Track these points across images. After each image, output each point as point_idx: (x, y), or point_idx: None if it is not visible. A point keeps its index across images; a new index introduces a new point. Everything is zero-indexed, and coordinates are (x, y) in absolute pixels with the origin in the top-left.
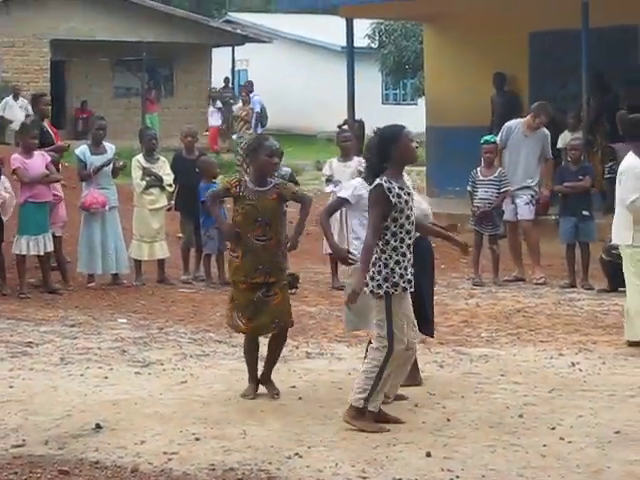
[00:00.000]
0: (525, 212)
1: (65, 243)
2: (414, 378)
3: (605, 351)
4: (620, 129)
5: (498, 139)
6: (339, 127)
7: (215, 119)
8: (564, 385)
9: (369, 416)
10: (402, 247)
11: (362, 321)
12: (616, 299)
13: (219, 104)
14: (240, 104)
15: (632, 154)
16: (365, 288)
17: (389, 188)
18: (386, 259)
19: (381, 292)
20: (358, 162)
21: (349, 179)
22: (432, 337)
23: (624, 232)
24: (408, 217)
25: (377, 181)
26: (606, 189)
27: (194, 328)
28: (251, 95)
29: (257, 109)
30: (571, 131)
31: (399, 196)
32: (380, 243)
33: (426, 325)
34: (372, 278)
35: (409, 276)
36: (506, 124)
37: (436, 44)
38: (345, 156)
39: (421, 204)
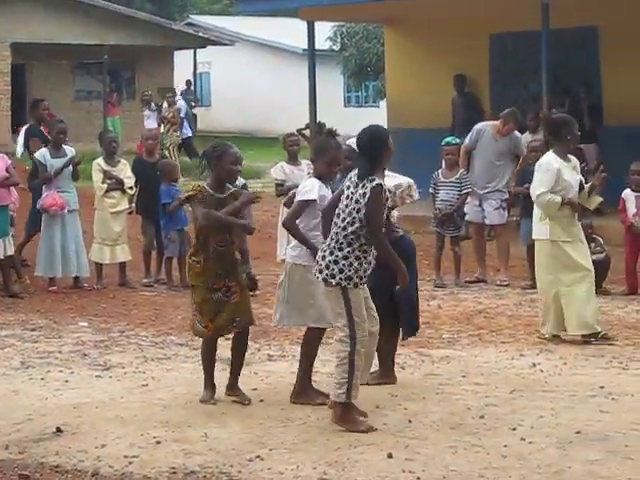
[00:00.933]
0: (495, 217)
1: (26, 246)
2: (390, 377)
3: (566, 351)
4: (544, 128)
5: (467, 140)
6: (298, 131)
7: (151, 122)
8: (525, 386)
9: (355, 415)
10: (368, 245)
11: (297, 317)
12: None
13: (153, 107)
14: (166, 106)
15: (551, 152)
16: (318, 275)
17: (385, 189)
18: (349, 252)
19: (333, 282)
20: (307, 165)
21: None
22: (414, 336)
23: (540, 227)
24: (385, 218)
25: (376, 181)
26: None
27: (155, 331)
28: (176, 99)
29: (182, 114)
30: (531, 132)
31: (386, 197)
32: (351, 237)
33: (410, 324)
34: (327, 267)
35: (362, 272)
36: (475, 126)
37: (397, 46)
38: (293, 160)
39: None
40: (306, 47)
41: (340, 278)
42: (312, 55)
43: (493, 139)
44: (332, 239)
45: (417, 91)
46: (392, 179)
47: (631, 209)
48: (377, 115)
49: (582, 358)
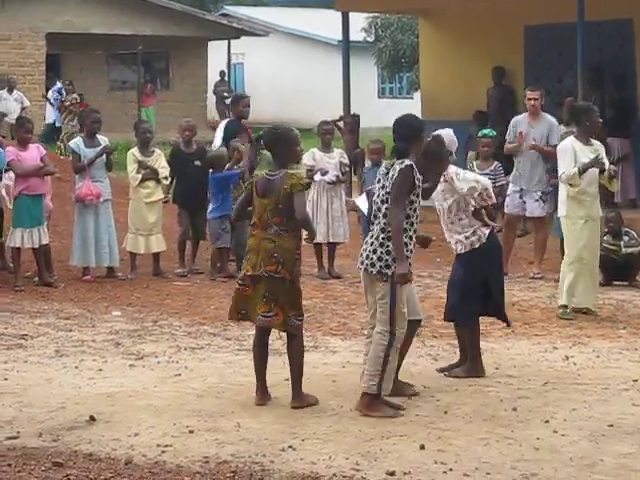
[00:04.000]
0: (535, 209)
1: (59, 236)
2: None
3: (599, 345)
4: (565, 115)
5: (507, 138)
6: (332, 121)
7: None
8: (558, 378)
9: (381, 402)
10: (410, 230)
11: None
12: (611, 293)
13: (56, 94)
14: (65, 95)
15: (572, 136)
16: (372, 269)
17: (415, 170)
18: (389, 240)
19: (389, 272)
20: (340, 154)
21: (334, 169)
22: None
23: (561, 205)
24: (419, 203)
25: (406, 162)
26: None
27: (189, 321)
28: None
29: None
30: (566, 125)
31: (419, 180)
32: (384, 223)
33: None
34: (380, 259)
35: (410, 259)
36: (514, 119)
37: (431, 38)
38: (325, 147)
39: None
40: (340, 38)
41: (380, 266)
42: (346, 46)
43: (529, 126)
44: (378, 231)
45: (451, 83)
46: (466, 183)
47: None
48: (411, 106)
49: (616, 351)
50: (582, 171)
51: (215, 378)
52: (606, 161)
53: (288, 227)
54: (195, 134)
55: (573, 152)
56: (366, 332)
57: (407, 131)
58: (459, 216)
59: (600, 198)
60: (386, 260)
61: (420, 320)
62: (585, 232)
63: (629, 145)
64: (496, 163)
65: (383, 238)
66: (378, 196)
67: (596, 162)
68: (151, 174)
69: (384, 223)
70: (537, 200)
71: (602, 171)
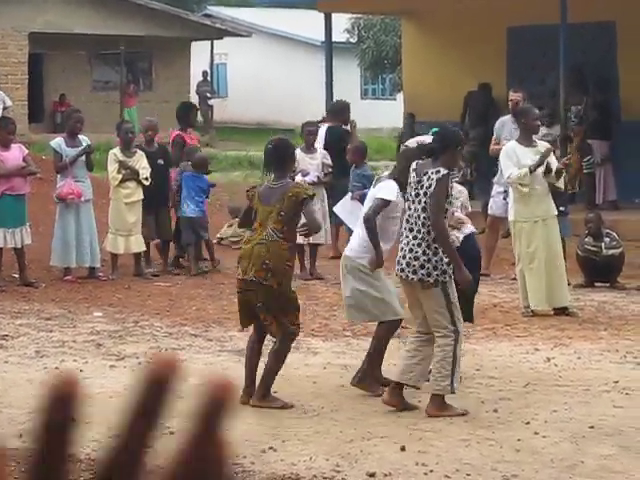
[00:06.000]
0: (504, 210)
1: (40, 236)
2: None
3: (581, 346)
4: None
5: (495, 134)
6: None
7: None
8: (539, 380)
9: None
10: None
11: (362, 315)
12: (592, 294)
13: None
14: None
15: (513, 140)
16: (414, 276)
17: (450, 178)
18: (436, 248)
19: (431, 280)
20: (322, 155)
21: (316, 170)
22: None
23: (510, 209)
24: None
25: (442, 171)
26: (585, 184)
27: (170, 322)
28: None
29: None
30: (547, 127)
31: (451, 188)
32: (427, 231)
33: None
34: (435, 267)
35: (448, 264)
36: (500, 119)
37: (414, 39)
38: (308, 148)
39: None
40: (323, 39)
41: (437, 274)
42: (329, 47)
43: (513, 127)
44: (415, 238)
45: (434, 84)
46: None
47: None
48: (393, 107)
49: (596, 353)
50: (533, 169)
51: (196, 379)
52: (553, 160)
53: (285, 235)
54: (157, 133)
55: (515, 155)
56: (411, 338)
57: (448, 138)
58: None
59: (575, 198)
60: (442, 267)
61: (401, 319)
62: (535, 233)
63: (608, 147)
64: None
65: (430, 246)
66: (412, 203)
67: (543, 158)
68: (132, 174)
69: (426, 232)
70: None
71: (548, 171)
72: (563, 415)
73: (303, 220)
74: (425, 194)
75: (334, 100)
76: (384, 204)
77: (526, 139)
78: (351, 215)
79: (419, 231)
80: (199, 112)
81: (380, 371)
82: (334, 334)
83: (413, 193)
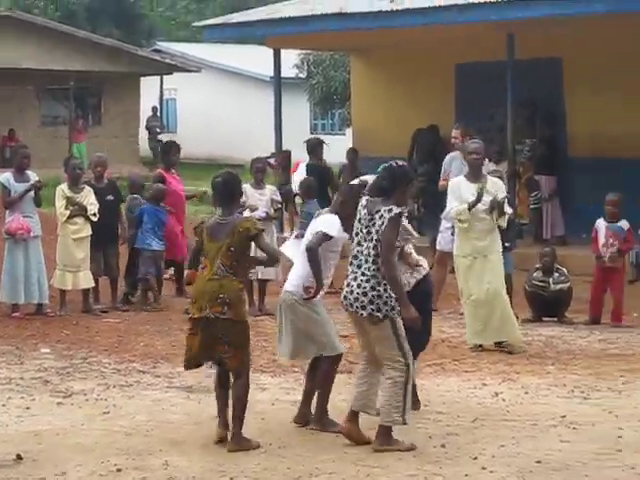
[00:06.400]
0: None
1: None
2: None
3: (528, 381)
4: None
5: (443, 169)
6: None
7: None
8: (487, 415)
9: (394, 437)
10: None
11: (300, 352)
12: (540, 329)
13: None
14: None
15: (462, 175)
16: (363, 312)
17: (403, 217)
18: (386, 284)
19: (380, 315)
20: (272, 191)
21: (265, 206)
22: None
23: (452, 243)
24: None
25: (395, 210)
26: (532, 218)
27: (118, 358)
28: None
29: None
30: (495, 163)
31: (402, 226)
32: (376, 268)
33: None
34: (371, 302)
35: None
36: (449, 154)
37: (363, 75)
38: (258, 184)
39: None
40: (272, 74)
41: (386, 310)
42: (278, 83)
43: (462, 164)
44: (364, 273)
45: (383, 120)
46: None
47: (601, 239)
48: (343, 143)
49: (544, 387)
50: (471, 207)
51: (144, 416)
52: (486, 197)
53: (236, 270)
54: (106, 169)
55: (459, 189)
56: (360, 367)
57: (398, 176)
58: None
59: (522, 234)
60: (391, 303)
61: (342, 354)
62: (474, 268)
63: (555, 182)
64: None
65: (380, 283)
66: (364, 240)
67: (480, 196)
68: (79, 210)
69: (376, 269)
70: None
71: (492, 208)
72: (510, 450)
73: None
74: (377, 232)
75: (308, 138)
76: (326, 238)
77: (473, 175)
78: (298, 254)
79: (368, 268)
80: (177, 150)
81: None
82: (283, 370)
83: (364, 230)
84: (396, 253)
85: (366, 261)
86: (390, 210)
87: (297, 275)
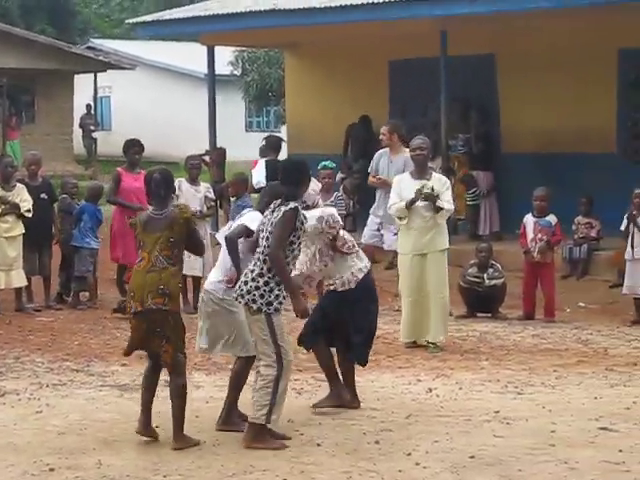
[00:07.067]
0: (393, 242)
1: None
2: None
3: (462, 377)
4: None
5: (369, 170)
6: (199, 156)
7: None
8: (421, 411)
9: (267, 433)
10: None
11: (225, 347)
12: (474, 325)
13: None
14: None
15: (407, 172)
16: (242, 300)
17: (299, 212)
18: (269, 278)
19: (254, 307)
20: (206, 188)
21: (199, 204)
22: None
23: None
24: (299, 245)
25: (292, 205)
26: (469, 215)
27: (51, 357)
28: None
29: None
30: (430, 159)
31: (302, 223)
32: (264, 260)
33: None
34: (249, 292)
35: (282, 298)
36: (378, 152)
37: (297, 72)
38: (193, 181)
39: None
40: (207, 72)
41: (261, 303)
42: (212, 80)
43: (388, 161)
44: (255, 265)
45: (317, 117)
46: (312, 219)
47: (530, 234)
48: None
49: (478, 383)
50: (409, 204)
51: (77, 415)
52: (444, 196)
53: (175, 260)
54: (40, 167)
55: (400, 186)
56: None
57: (296, 176)
58: (324, 262)
59: (457, 230)
60: (268, 296)
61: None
62: (413, 266)
63: (492, 178)
64: (336, 193)
65: (262, 275)
66: (264, 232)
67: (418, 195)
68: (11, 209)
69: (262, 261)
70: (396, 234)
71: (439, 209)
72: (444, 445)
73: None
74: (271, 224)
75: (268, 135)
76: (246, 230)
77: (417, 171)
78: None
79: (258, 259)
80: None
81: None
82: (217, 367)
83: (268, 220)
84: (284, 246)
85: (261, 253)
86: (287, 204)
87: (216, 273)
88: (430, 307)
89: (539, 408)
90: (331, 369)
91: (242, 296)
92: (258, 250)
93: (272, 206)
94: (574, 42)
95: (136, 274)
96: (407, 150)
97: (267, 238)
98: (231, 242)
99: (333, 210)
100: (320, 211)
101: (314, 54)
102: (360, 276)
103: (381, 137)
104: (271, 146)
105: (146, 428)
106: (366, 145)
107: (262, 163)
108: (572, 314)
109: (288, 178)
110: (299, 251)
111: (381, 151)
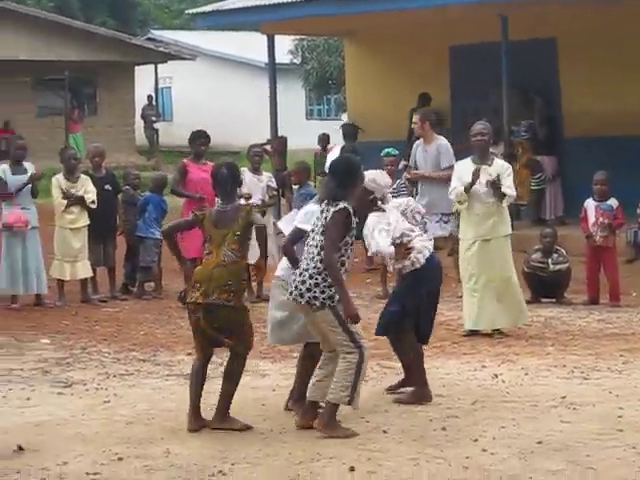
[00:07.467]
0: (436, 230)
1: None
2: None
3: (528, 362)
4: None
5: (410, 161)
6: (260, 145)
7: None
8: (487, 397)
9: (338, 423)
10: (341, 268)
11: (287, 336)
12: (539, 310)
13: None
14: None
15: (469, 158)
16: (300, 299)
17: (350, 212)
18: (327, 274)
19: (317, 304)
20: (268, 178)
21: (261, 193)
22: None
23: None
24: (352, 243)
25: (341, 205)
26: (533, 200)
27: (118, 347)
28: None
29: None
30: (492, 144)
31: (353, 222)
32: (321, 259)
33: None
34: (308, 290)
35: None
36: (414, 145)
37: (357, 59)
38: (255, 170)
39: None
40: (267, 61)
41: (323, 299)
42: (273, 69)
43: (423, 151)
44: (309, 263)
45: (377, 104)
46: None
47: (591, 219)
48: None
49: (544, 368)
50: (468, 188)
51: (144, 404)
52: (506, 181)
53: (241, 253)
54: (104, 159)
55: (460, 171)
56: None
57: (346, 177)
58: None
59: (520, 215)
60: (329, 291)
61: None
62: (475, 253)
63: (557, 162)
64: (398, 181)
65: (321, 271)
66: (316, 233)
67: (476, 177)
68: (76, 200)
69: (318, 260)
70: (437, 222)
71: (502, 195)
72: (511, 431)
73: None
74: (323, 226)
75: (343, 123)
76: (300, 233)
77: (478, 157)
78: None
79: (312, 259)
80: (203, 140)
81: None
82: (282, 356)
83: (319, 223)
84: (338, 248)
85: (312, 252)
86: (337, 205)
87: (287, 262)
88: (500, 293)
89: (606, 393)
90: (419, 361)
91: (301, 295)
92: (312, 244)
93: (322, 206)
94: (636, 25)
95: (204, 267)
96: (439, 137)
97: (322, 233)
98: (287, 250)
99: (411, 200)
100: (398, 203)
101: (374, 41)
102: (426, 253)
103: (413, 126)
104: (347, 134)
105: (198, 421)
106: None
107: (337, 149)
108: (638, 298)
109: (337, 178)
110: (352, 250)
111: (417, 142)
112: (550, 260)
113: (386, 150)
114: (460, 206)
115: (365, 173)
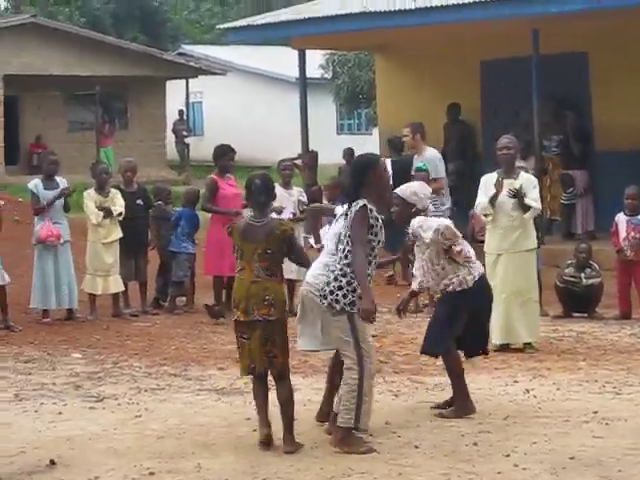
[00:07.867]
0: None
1: (18, 279)
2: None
3: (559, 377)
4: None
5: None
6: (290, 160)
7: None
8: (518, 412)
9: (356, 437)
10: (368, 268)
11: (314, 342)
12: (570, 325)
13: None
14: None
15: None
16: (323, 300)
17: (370, 209)
18: (352, 278)
19: (338, 307)
20: (299, 192)
21: (292, 207)
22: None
23: None
24: (378, 243)
25: (360, 202)
26: (564, 214)
27: (149, 362)
28: None
29: None
30: (522, 159)
31: (376, 220)
32: (346, 262)
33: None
34: (332, 292)
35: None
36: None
37: (388, 74)
38: (285, 184)
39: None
40: (298, 75)
41: (344, 304)
42: (303, 83)
43: (416, 163)
44: (335, 265)
45: (408, 118)
46: (430, 230)
47: (622, 233)
48: (370, 142)
49: (575, 383)
50: (492, 200)
51: (176, 419)
52: (532, 194)
53: (274, 272)
54: (136, 174)
55: (485, 185)
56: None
57: (357, 176)
58: (442, 265)
59: (551, 229)
60: (352, 296)
61: None
62: (498, 266)
63: (588, 177)
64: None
65: (346, 274)
66: (341, 235)
67: (499, 188)
68: (107, 214)
69: (346, 264)
70: None
71: (514, 196)
72: (543, 446)
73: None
74: (347, 227)
75: (389, 137)
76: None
77: (504, 171)
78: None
79: (340, 258)
80: (228, 155)
81: None
82: (314, 370)
83: (343, 224)
84: (364, 245)
85: (336, 252)
86: (357, 203)
87: (317, 268)
88: (519, 308)
89: (638, 408)
90: (461, 377)
91: (325, 297)
92: (339, 248)
93: (343, 209)
94: None
95: (239, 284)
96: (429, 149)
97: (347, 235)
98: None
99: (448, 222)
100: (437, 224)
101: (404, 56)
102: (476, 274)
103: (404, 139)
104: (394, 147)
105: (270, 431)
106: (463, 144)
107: (388, 162)
108: None
109: (352, 178)
110: (377, 251)
111: (415, 155)
112: (583, 275)
113: (417, 165)
114: (486, 219)
115: (405, 186)
